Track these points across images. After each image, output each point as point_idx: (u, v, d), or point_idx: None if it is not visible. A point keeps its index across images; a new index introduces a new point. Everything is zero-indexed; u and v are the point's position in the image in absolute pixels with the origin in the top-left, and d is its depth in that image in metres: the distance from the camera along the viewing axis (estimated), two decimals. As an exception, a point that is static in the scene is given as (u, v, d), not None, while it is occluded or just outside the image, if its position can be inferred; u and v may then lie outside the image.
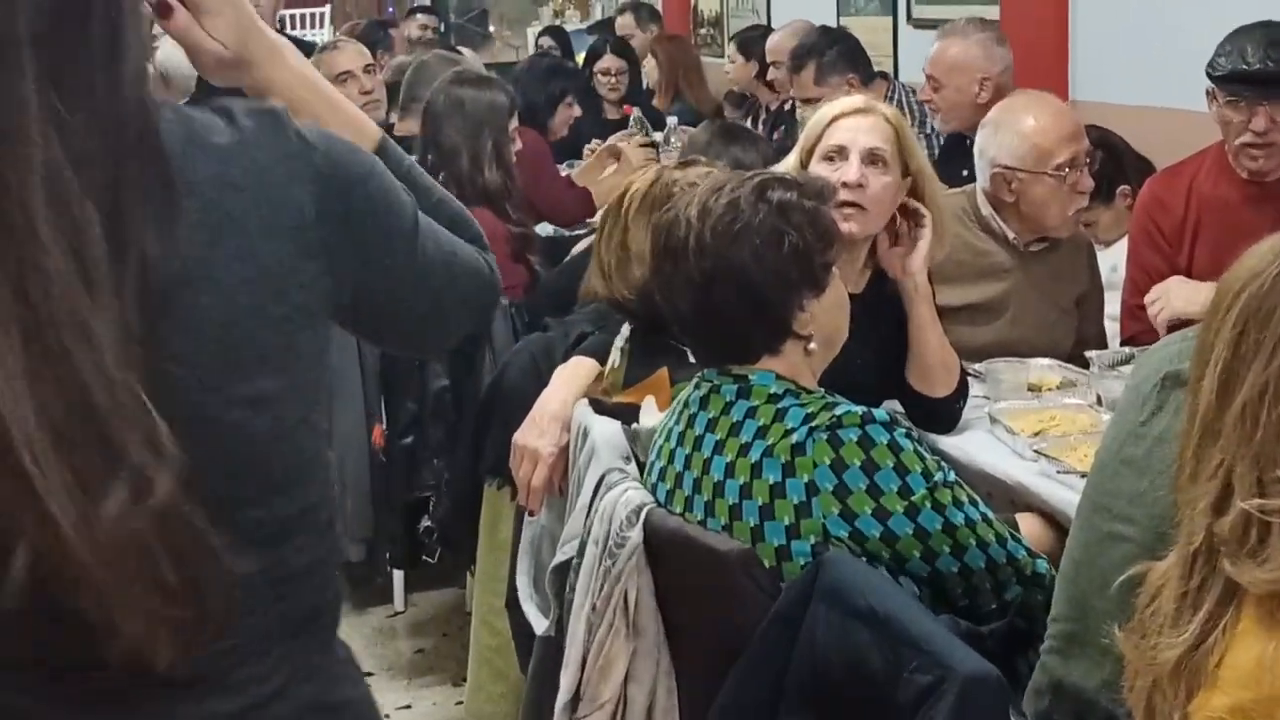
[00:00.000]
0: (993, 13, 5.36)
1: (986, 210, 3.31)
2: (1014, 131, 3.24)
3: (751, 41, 6.60)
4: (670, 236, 2.15)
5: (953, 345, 2.85)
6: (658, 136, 5.76)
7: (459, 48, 6.92)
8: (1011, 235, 3.30)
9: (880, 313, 2.82)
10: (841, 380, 2.28)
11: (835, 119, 2.82)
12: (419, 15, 8.59)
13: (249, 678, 1.14)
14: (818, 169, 2.78)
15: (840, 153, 2.79)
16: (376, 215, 1.19)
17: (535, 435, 2.70)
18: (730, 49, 6.77)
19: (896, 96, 5.10)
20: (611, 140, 5.89)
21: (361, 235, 1.17)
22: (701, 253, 2.10)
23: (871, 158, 2.78)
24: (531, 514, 2.73)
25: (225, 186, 1.08)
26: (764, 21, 7.68)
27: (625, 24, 7.97)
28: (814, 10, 6.65)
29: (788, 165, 2.85)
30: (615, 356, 2.72)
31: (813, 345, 2.15)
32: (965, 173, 3.60)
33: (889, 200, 2.80)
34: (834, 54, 5.03)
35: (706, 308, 2.12)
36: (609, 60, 6.76)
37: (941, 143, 4.62)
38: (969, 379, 2.92)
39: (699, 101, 7.09)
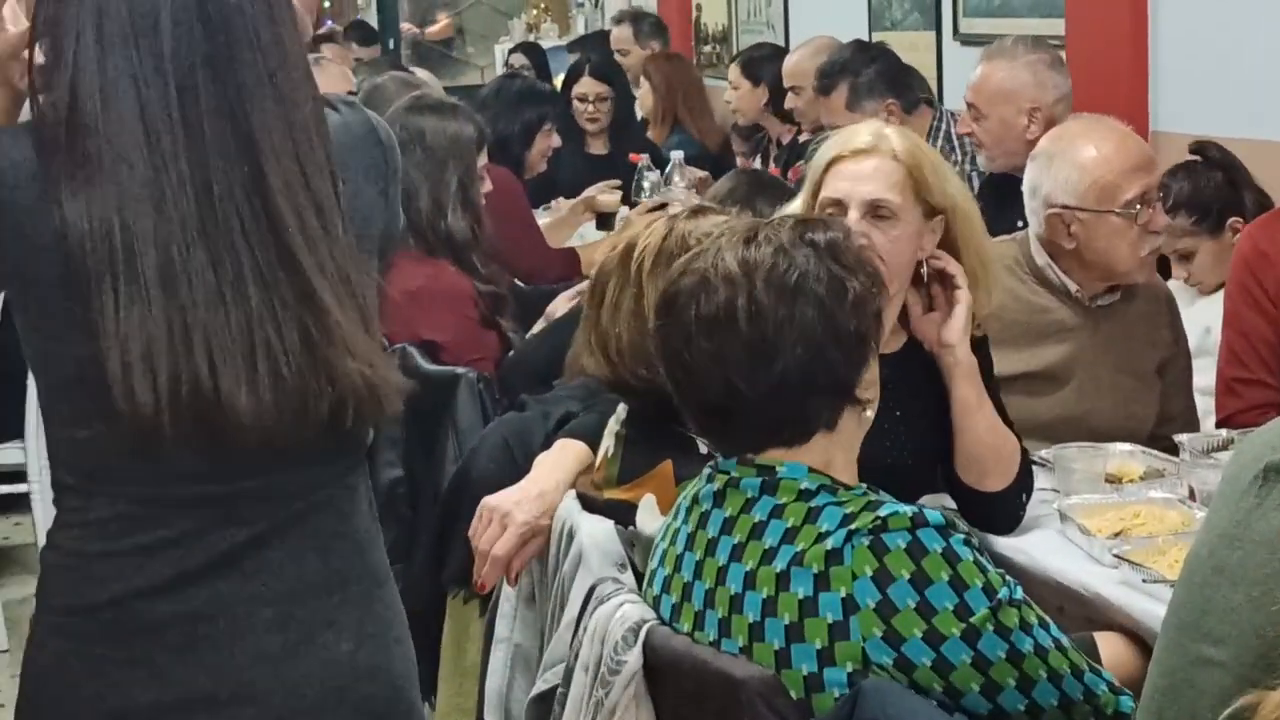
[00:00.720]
0: (1055, 28, 5.44)
1: (1042, 259, 3.34)
2: (1071, 164, 3.27)
3: (758, 63, 6.60)
4: (706, 303, 2.14)
5: (1007, 421, 2.87)
6: (655, 177, 5.77)
7: (412, 69, 6.98)
8: (1074, 288, 3.32)
9: (920, 382, 2.83)
10: (874, 469, 2.28)
11: (832, 163, 2.82)
12: (354, 45, 8.62)
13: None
14: None
15: (838, 207, 2.79)
16: (398, 167, 1.98)
17: (511, 501, 2.72)
18: (733, 72, 6.77)
19: (943, 126, 5.14)
20: (590, 192, 5.91)
21: (394, 180, 1.97)
22: (759, 315, 2.11)
23: (875, 211, 2.78)
24: (481, 588, 2.74)
25: (341, 147, 1.88)
26: (780, 38, 7.74)
27: (622, 37, 8.00)
28: (841, 24, 6.70)
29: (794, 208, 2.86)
30: (609, 444, 2.72)
31: (869, 412, 2.19)
32: (1021, 224, 3.64)
33: (905, 256, 2.80)
34: (871, 74, 5.07)
35: (768, 384, 2.11)
36: (587, 84, 6.78)
37: (980, 181, 4.66)
38: (1034, 467, 2.92)
39: (702, 133, 7.13)
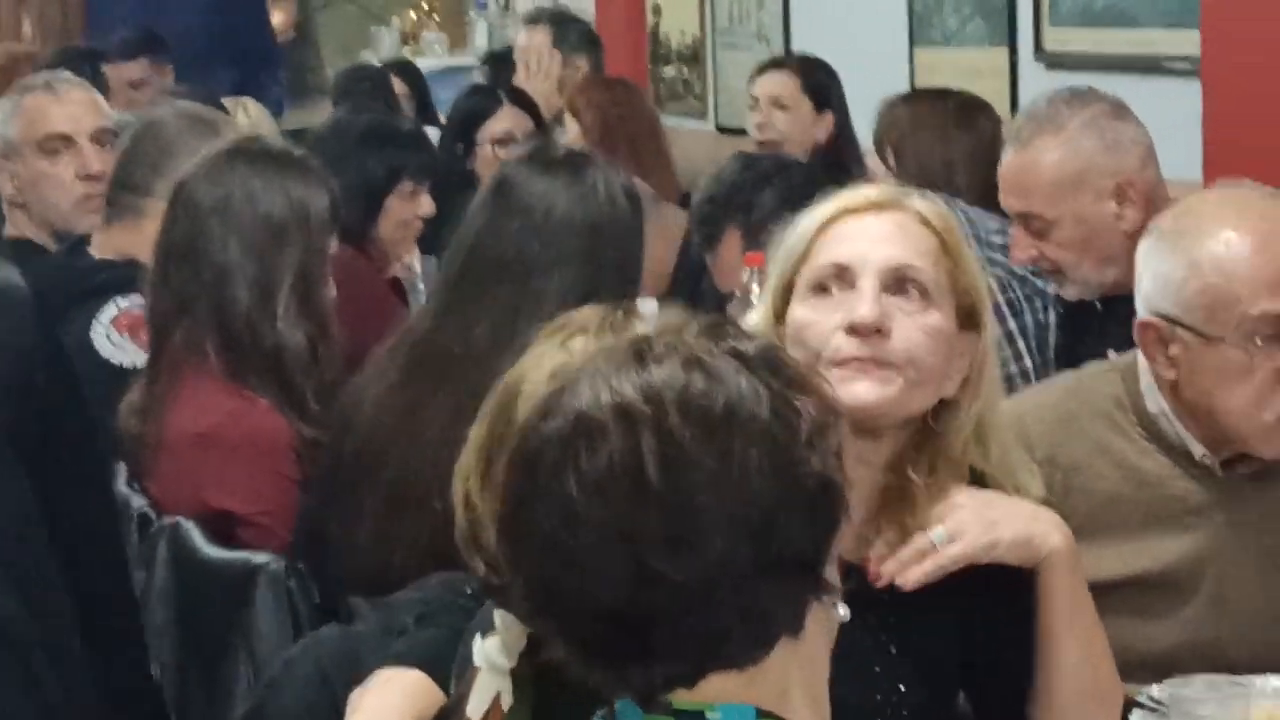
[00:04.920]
0: (1184, 44, 5.50)
1: (1156, 402, 3.33)
2: (1184, 254, 3.25)
3: (827, 78, 6.72)
4: (591, 455, 2.10)
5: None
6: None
7: (239, 100, 7.01)
8: (1199, 450, 3.31)
9: (928, 598, 2.82)
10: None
11: (831, 221, 2.87)
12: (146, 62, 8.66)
13: None
14: (802, 311, 2.82)
15: (842, 275, 2.82)
16: None
17: None
18: (783, 83, 6.71)
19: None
20: None
21: None
22: (678, 463, 2.07)
23: (900, 283, 2.81)
24: None
25: None
26: (779, 49, 7.90)
27: (533, 47, 8.04)
28: (867, 34, 6.75)
29: (754, 323, 2.87)
30: (498, 685, 2.65)
31: (841, 610, 2.17)
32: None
33: (938, 356, 2.81)
34: (769, 201, 4.97)
35: (703, 568, 2.07)
36: (509, 117, 6.75)
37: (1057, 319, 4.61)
38: (1138, 713, 2.95)
39: (658, 198, 7.11)
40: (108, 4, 10.18)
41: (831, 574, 2.14)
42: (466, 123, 6.86)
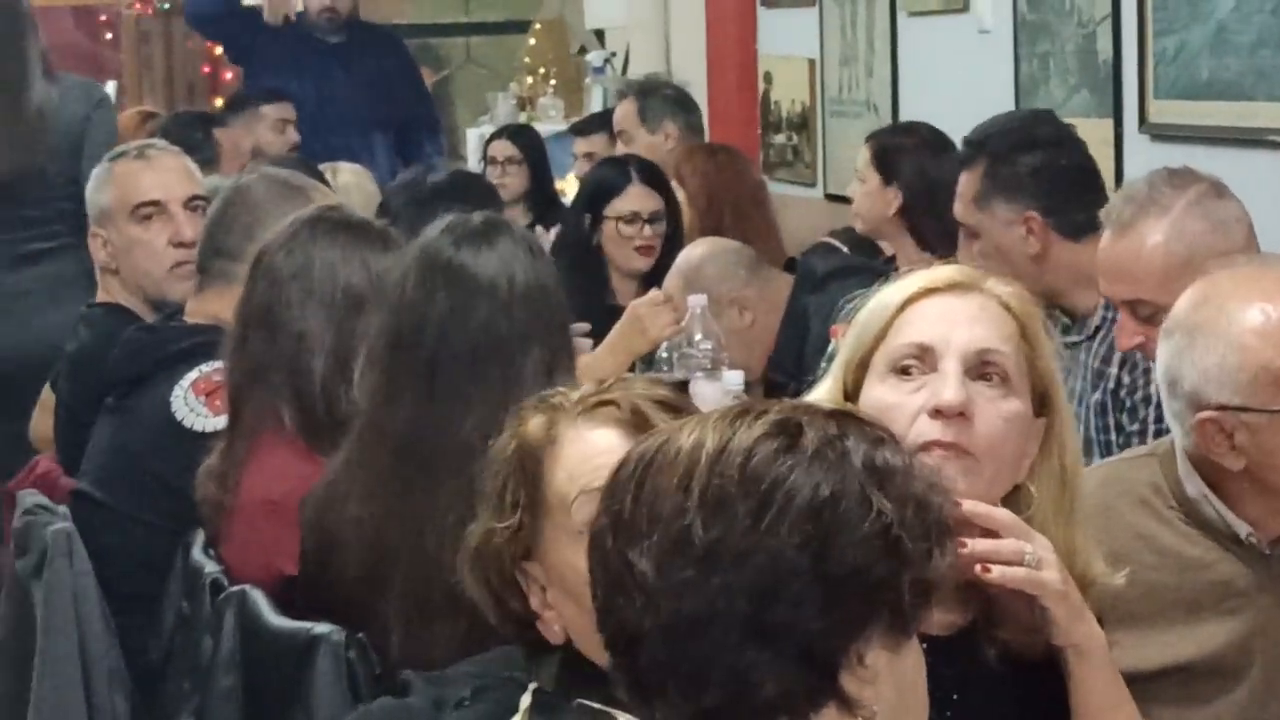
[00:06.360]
0: None
1: (1195, 487, 3.28)
2: (1226, 340, 3.19)
3: (896, 153, 6.55)
4: (655, 477, 2.17)
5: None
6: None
7: (334, 165, 7.04)
8: (1245, 530, 3.26)
9: (995, 682, 2.81)
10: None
11: (911, 301, 2.85)
12: (269, 105, 8.71)
13: None
14: (881, 392, 2.81)
15: (924, 356, 2.81)
16: None
17: None
18: (862, 158, 6.67)
19: None
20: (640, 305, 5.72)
21: None
22: (712, 506, 2.11)
23: (983, 367, 2.80)
24: None
25: None
26: (887, 118, 7.90)
27: (623, 117, 8.11)
28: (973, 103, 6.72)
29: (818, 398, 2.85)
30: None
31: None
32: None
33: (1015, 444, 2.81)
34: (1027, 164, 5.01)
35: (689, 604, 2.09)
36: (638, 196, 6.58)
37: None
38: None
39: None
40: (264, 77, 10.23)
41: (863, 689, 2.11)
42: (595, 196, 6.76)
